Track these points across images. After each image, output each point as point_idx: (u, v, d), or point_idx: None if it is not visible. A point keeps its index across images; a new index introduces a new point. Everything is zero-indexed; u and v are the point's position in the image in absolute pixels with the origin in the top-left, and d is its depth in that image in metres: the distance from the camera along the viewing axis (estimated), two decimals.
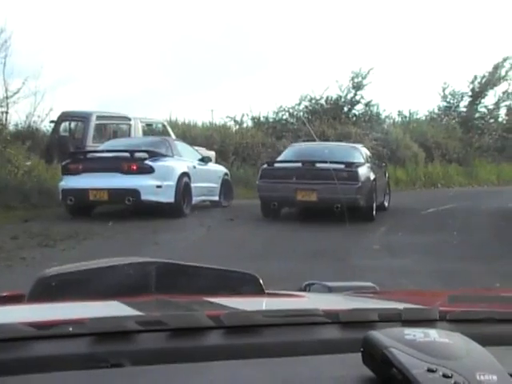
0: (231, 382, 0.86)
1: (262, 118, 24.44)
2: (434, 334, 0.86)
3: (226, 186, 14.14)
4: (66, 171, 11.88)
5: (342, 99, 25.48)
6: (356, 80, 25.30)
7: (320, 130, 22.57)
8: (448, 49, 46.14)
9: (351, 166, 11.48)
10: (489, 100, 28.31)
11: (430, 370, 0.78)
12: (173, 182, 11.77)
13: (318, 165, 11.44)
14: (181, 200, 11.90)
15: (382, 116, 26.17)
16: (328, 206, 10.95)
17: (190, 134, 19.24)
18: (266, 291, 1.45)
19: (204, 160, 13.57)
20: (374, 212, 12.05)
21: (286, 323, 1.01)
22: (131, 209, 11.73)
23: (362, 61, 29.79)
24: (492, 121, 28.24)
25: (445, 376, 0.78)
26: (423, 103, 46.55)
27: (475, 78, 27.73)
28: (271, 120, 24.59)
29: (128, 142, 13.44)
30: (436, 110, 28.26)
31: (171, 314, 1.02)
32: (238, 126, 23.68)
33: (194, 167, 12.79)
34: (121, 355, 0.89)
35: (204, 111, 42.36)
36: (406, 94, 43.10)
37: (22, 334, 0.91)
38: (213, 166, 14.17)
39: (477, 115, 28.04)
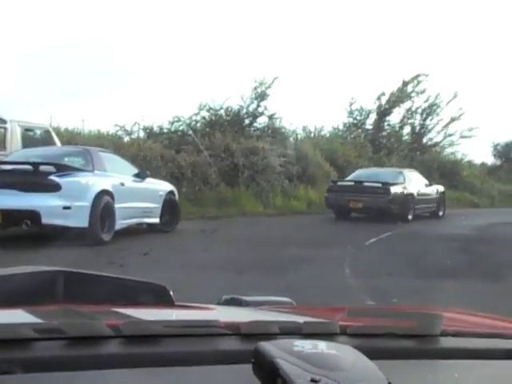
0: None
1: (155, 129, 21.48)
2: (322, 346, 0.87)
3: (170, 207, 12.01)
4: None
5: (244, 110, 22.96)
6: (259, 90, 22.87)
7: (224, 143, 19.91)
8: (357, 63, 44.60)
9: (386, 185, 16.39)
10: (394, 118, 26.83)
11: (313, 381, 0.78)
12: (87, 203, 9.52)
13: (365, 183, 16.62)
14: (97, 224, 9.61)
15: (287, 130, 23.87)
16: (369, 211, 16.45)
17: (75, 143, 15.95)
18: (176, 303, 1.43)
19: (140, 175, 11.37)
20: (410, 217, 16.65)
21: (185, 334, 1.01)
22: (49, 233, 9.23)
23: (266, 70, 27.29)
24: (396, 140, 26.70)
25: None
26: (328, 119, 44.34)
27: (383, 93, 26.13)
28: (166, 131, 21.66)
29: (38, 153, 10.96)
30: (341, 127, 26.43)
31: (69, 321, 1.00)
32: (128, 137, 20.62)
33: (122, 184, 10.59)
34: (13, 363, 0.88)
35: (74, 121, 38.81)
36: (311, 108, 40.75)
37: None
38: (152, 183, 11.86)
39: (383, 133, 26.38)
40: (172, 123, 22.00)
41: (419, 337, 1.11)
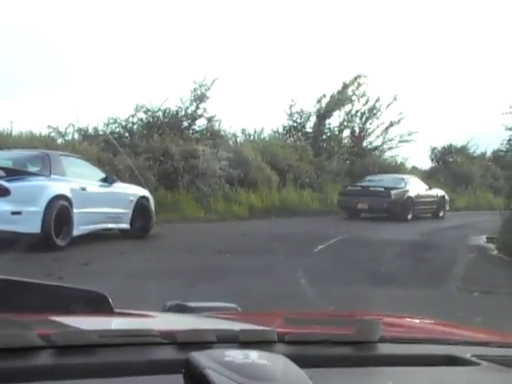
0: None
1: (90, 131, 20.62)
2: (253, 356, 0.87)
3: (142, 212, 11.87)
4: None
5: (183, 112, 22.32)
6: (198, 91, 22.26)
7: (163, 146, 19.25)
8: (297, 65, 44.11)
9: (387, 189, 19.16)
10: (335, 121, 26.62)
11: None
12: (39, 208, 9.46)
13: (370, 188, 19.38)
14: (51, 230, 9.51)
15: (227, 133, 23.33)
16: (374, 211, 19.18)
17: (5, 145, 15.04)
18: (116, 310, 1.39)
19: (107, 180, 11.37)
20: (410, 216, 19.36)
21: (120, 343, 0.99)
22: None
23: (205, 72, 26.59)
24: (337, 143, 26.49)
25: None
26: (268, 121, 43.38)
27: (323, 96, 25.87)
28: (101, 133, 20.83)
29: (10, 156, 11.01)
30: (280, 130, 26.03)
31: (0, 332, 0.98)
32: (61, 138, 19.74)
33: (84, 189, 10.56)
34: None
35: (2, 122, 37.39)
36: (250, 110, 39.97)
37: None
38: (121, 188, 11.84)
39: (324, 137, 26.12)
40: (108, 125, 21.23)
41: (358, 343, 1.11)
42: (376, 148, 28.04)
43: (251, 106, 42.11)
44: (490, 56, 48.27)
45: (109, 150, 18.34)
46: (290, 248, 11.01)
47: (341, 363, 1.06)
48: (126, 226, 11.55)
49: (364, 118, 27.37)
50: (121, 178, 17.00)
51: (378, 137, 27.94)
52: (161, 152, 19.03)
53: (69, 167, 10.64)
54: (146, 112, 21.76)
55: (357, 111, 27.19)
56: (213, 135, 22.26)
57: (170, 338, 1.02)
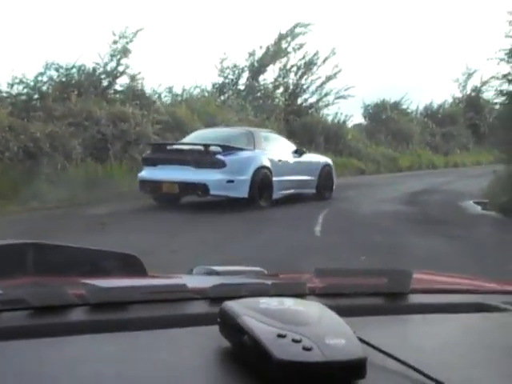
0: (90, 354, 0.86)
1: None
2: (289, 303, 0.87)
3: (325, 178, 13.71)
4: (145, 162, 12.08)
5: (101, 69, 19.05)
6: (119, 44, 19.02)
7: (85, 109, 16.02)
8: (229, 14, 40.12)
9: None
10: (270, 77, 23.95)
11: (279, 336, 0.78)
12: (247, 177, 11.44)
13: None
14: (256, 195, 11.51)
15: (153, 93, 20.18)
16: None
17: None
18: (149, 273, 1.43)
19: (298, 152, 13.28)
20: None
21: (152, 300, 1.02)
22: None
23: (126, 23, 22.92)
24: (271, 101, 23.85)
25: (294, 341, 0.77)
26: (198, 79, 38.80)
27: (260, 47, 23.11)
28: (6, 95, 17.29)
29: (208, 135, 12.83)
30: (210, 88, 23.09)
31: (34, 291, 1.01)
32: None
33: (280, 160, 12.39)
34: None
35: None
36: (177, 67, 35.65)
37: None
38: (308, 158, 13.61)
39: (259, 94, 23.39)
40: (12, 85, 17.64)
41: (389, 294, 1.14)
42: (312, 105, 25.64)
43: (177, 62, 38.17)
44: (423, 11, 46.80)
45: (19, 115, 14.98)
46: None
47: (372, 313, 1.06)
48: (312, 190, 13.33)
49: (300, 73, 24.86)
50: (41, 148, 13.82)
51: (313, 93, 25.53)
52: (83, 116, 15.81)
53: (267, 142, 12.52)
54: (57, 69, 18.34)
55: (292, 66, 24.65)
56: (137, 96, 19.10)
57: (203, 294, 1.05)
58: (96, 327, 0.91)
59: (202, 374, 0.81)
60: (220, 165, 11.08)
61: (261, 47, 23.18)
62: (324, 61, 24.88)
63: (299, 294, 1.03)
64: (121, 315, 0.96)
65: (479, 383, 0.83)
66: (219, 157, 11.14)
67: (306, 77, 25.05)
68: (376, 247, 7.67)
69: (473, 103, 33.11)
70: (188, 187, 11.16)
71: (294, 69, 24.78)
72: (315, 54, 24.41)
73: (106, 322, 0.93)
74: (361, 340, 0.83)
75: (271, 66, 23.82)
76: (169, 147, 12.17)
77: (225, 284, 1.07)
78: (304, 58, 24.45)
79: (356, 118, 28.83)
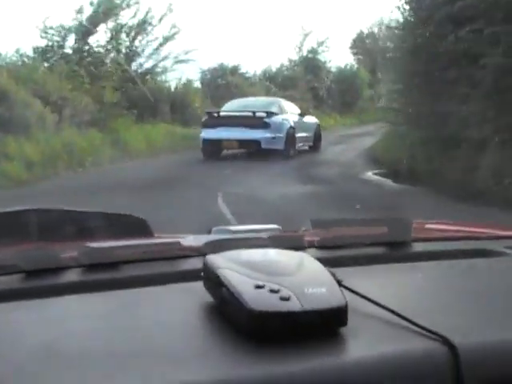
0: (77, 313, 0.86)
1: None
2: (271, 254, 0.87)
3: (317, 135, 17.55)
4: (205, 126, 15.32)
5: None
6: None
7: None
8: None
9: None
10: (101, 38, 20.71)
11: (257, 287, 0.77)
12: (282, 134, 15.01)
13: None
14: (288, 147, 15.09)
15: None
16: None
17: None
18: (156, 235, 1.38)
19: (301, 114, 17.03)
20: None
21: (143, 258, 1.01)
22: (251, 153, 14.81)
23: None
24: (103, 67, 20.64)
25: (271, 291, 0.76)
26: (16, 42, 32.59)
27: (91, 4, 19.70)
28: None
29: (246, 103, 16.49)
30: (30, 52, 19.42)
31: (25, 255, 0.99)
32: None
33: (297, 121, 16.10)
34: None
35: None
36: None
37: None
38: (308, 119, 17.49)
39: (89, 59, 20.08)
40: None
41: (390, 243, 1.12)
42: (148, 72, 22.76)
43: None
44: None
45: None
46: None
47: (373, 262, 1.04)
48: (311, 144, 17.11)
49: (133, 34, 21.87)
50: None
51: (149, 57, 22.64)
52: None
53: (287, 107, 16.69)
54: None
55: (123, 25, 21.57)
56: None
57: (196, 251, 1.03)
58: (86, 287, 0.90)
59: (183, 328, 0.80)
60: (267, 126, 14.72)
61: (91, 3, 19.86)
62: (160, 20, 22.04)
63: (296, 247, 0.98)
64: (112, 275, 0.96)
65: (466, 328, 0.79)
66: (266, 120, 14.82)
67: (140, 38, 22.12)
68: None
69: (310, 65, 31.80)
70: (245, 143, 14.70)
71: (126, 29, 21.73)
72: (148, 12, 21.50)
73: (96, 282, 0.93)
74: (348, 289, 0.81)
75: (103, 26, 20.60)
76: (222, 114, 15.47)
77: (218, 240, 1.06)
78: (135, 15, 21.46)
79: (196, 84, 26.10)
